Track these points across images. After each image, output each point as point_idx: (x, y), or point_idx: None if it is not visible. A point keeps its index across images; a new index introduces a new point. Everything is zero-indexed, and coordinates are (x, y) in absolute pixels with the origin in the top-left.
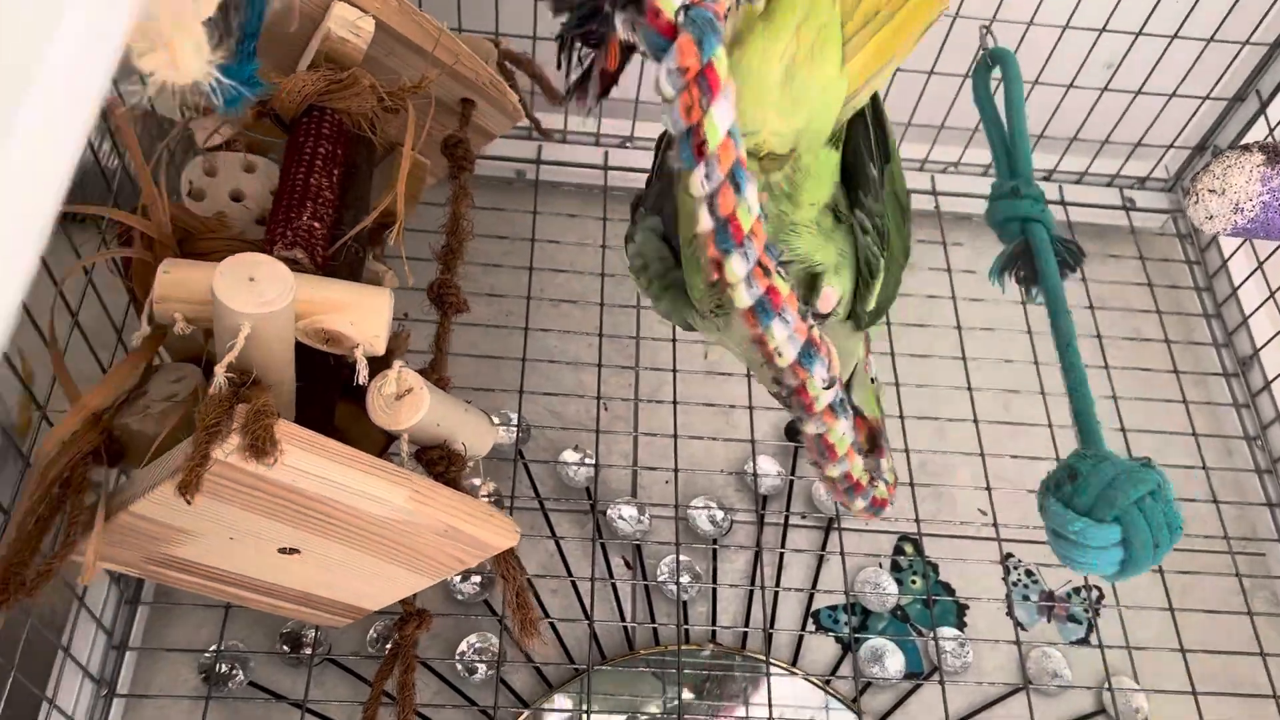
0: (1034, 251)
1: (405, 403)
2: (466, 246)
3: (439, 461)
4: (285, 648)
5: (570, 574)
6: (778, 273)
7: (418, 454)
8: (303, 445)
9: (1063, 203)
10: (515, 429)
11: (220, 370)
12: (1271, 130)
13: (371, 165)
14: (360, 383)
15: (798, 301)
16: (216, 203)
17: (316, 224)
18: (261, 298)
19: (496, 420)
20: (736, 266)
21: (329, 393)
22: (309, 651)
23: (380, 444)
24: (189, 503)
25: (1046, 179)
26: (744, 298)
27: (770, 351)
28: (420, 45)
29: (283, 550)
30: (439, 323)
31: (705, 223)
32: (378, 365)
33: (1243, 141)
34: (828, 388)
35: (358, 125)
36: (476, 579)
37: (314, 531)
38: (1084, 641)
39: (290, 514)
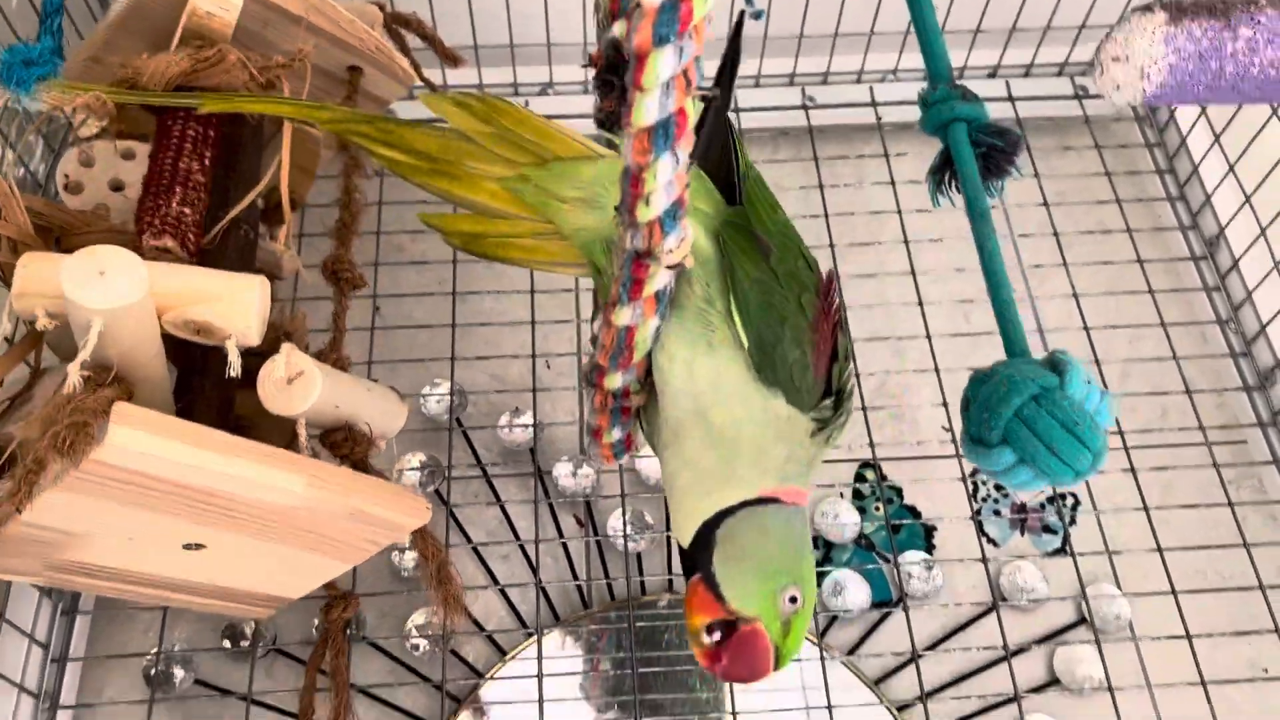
0: (952, 154)
1: (296, 386)
2: (361, 220)
3: (343, 444)
4: (227, 643)
5: (518, 537)
6: (692, 98)
7: (321, 437)
8: (180, 438)
9: (1010, 99)
10: (449, 397)
11: (74, 369)
12: None
13: (260, 144)
14: (232, 374)
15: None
16: (97, 194)
17: (187, 210)
18: (112, 292)
19: (430, 390)
20: (665, 61)
21: (225, 384)
22: (248, 644)
23: (290, 432)
24: (19, 512)
25: (992, 75)
26: (650, 111)
27: (640, 195)
28: (297, 14)
29: (188, 546)
30: (336, 300)
31: None
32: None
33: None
34: (670, 267)
35: None
36: None
37: (215, 525)
38: (1060, 551)
39: (185, 509)
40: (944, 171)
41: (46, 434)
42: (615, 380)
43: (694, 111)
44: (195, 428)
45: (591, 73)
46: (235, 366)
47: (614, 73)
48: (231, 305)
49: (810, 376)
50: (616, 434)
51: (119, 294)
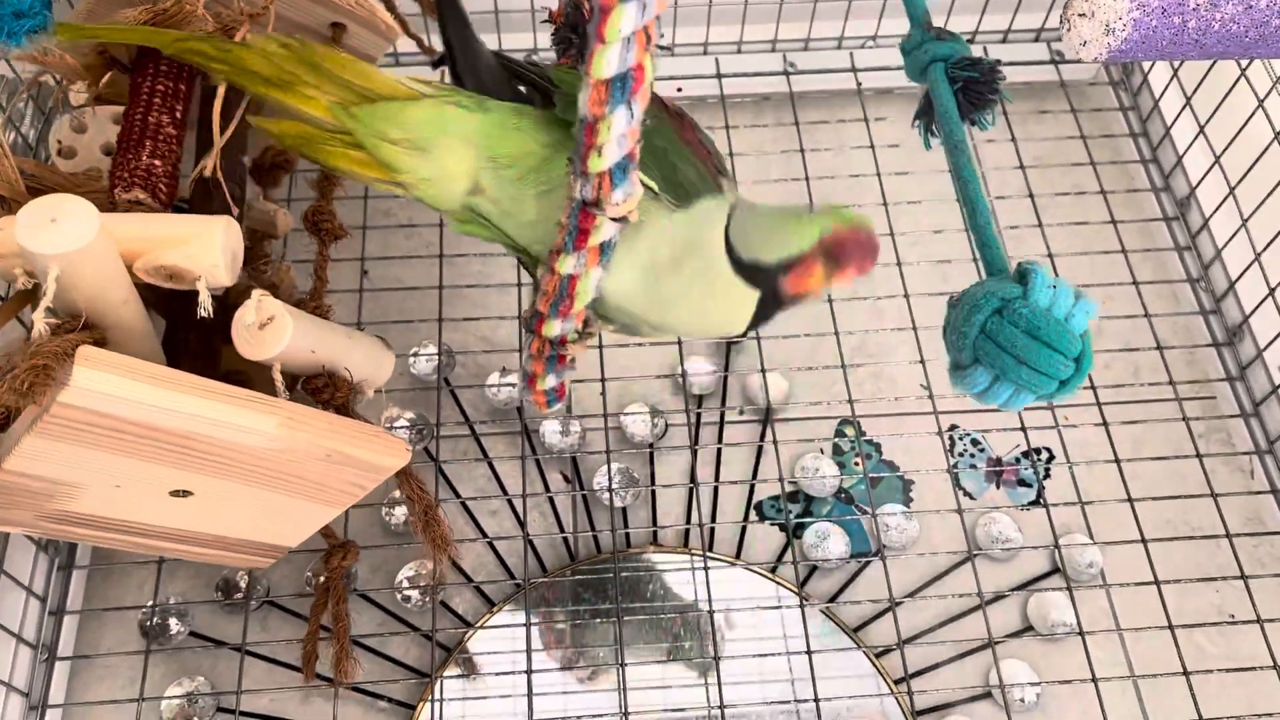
0: (930, 93)
1: (268, 331)
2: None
3: (324, 389)
4: (220, 595)
5: (506, 493)
6: (650, 54)
7: (303, 384)
8: (146, 380)
9: None
10: (438, 357)
11: (38, 315)
12: None
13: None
14: (203, 315)
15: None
16: (89, 159)
17: (157, 162)
18: (64, 237)
19: (418, 350)
20: (629, 15)
21: (210, 336)
22: (242, 597)
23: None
24: None
25: (970, 41)
26: (610, 63)
27: (593, 145)
28: None
29: (175, 493)
30: (317, 251)
31: None
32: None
33: None
34: (616, 220)
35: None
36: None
37: (196, 470)
38: (1034, 504)
39: (164, 454)
40: (929, 115)
41: (5, 376)
42: (554, 328)
43: (652, 69)
44: (162, 369)
45: (551, 29)
46: (206, 307)
47: (573, 30)
48: (198, 246)
49: (708, 178)
50: (551, 381)
51: (71, 239)
